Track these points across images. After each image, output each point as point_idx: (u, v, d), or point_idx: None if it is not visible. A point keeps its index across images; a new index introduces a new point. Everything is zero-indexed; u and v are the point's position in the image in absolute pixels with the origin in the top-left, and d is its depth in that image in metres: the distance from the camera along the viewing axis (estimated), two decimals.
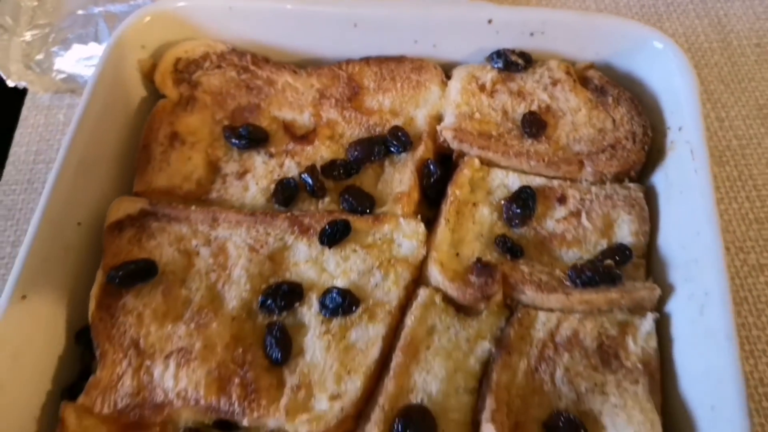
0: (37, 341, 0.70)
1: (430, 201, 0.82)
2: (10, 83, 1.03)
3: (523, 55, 0.86)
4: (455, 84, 0.87)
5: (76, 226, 0.76)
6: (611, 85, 0.84)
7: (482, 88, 0.86)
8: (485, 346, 0.70)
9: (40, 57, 1.06)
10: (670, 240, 0.74)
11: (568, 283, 0.72)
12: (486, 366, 0.69)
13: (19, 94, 1.06)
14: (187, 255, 0.76)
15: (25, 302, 0.68)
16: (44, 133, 1.02)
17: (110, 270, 0.73)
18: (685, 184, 0.73)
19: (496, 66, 0.87)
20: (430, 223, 0.79)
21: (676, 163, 0.76)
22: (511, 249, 0.75)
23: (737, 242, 0.88)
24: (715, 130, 0.97)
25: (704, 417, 0.63)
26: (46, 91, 1.05)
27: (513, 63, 0.86)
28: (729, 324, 0.63)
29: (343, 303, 0.71)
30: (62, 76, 1.05)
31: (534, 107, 0.84)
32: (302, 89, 0.89)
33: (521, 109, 0.84)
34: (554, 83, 0.85)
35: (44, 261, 0.71)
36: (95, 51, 1.03)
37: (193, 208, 0.79)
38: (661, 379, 0.68)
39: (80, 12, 1.06)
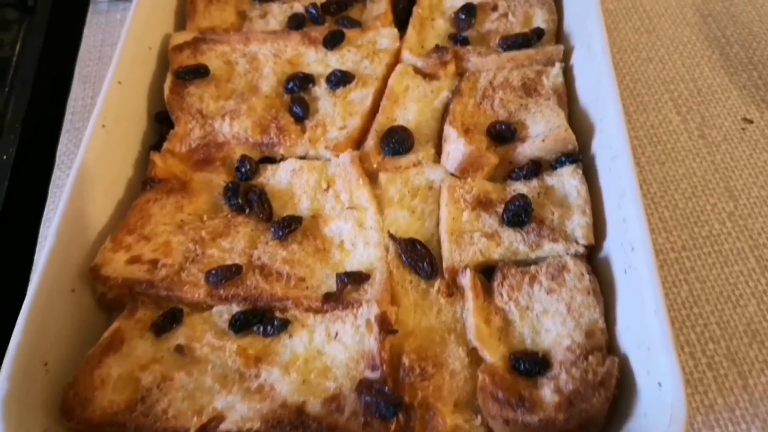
0: (131, 116, 1.00)
1: (400, 24, 1.12)
2: None
3: None
4: None
5: (148, 50, 1.07)
6: None
7: None
8: (445, 94, 1.00)
9: None
10: (570, 22, 1.05)
11: (499, 49, 1.02)
12: (446, 107, 0.99)
13: (84, 3, 1.38)
14: (229, 64, 1.06)
15: (121, 86, 0.98)
16: (106, 27, 1.33)
17: (177, 69, 1.03)
18: None
19: None
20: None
21: None
22: (460, 41, 1.06)
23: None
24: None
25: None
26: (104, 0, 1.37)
27: None
28: (602, 36, 0.92)
29: (343, 77, 1.01)
30: None
31: None
32: None
33: None
34: None
35: (132, 62, 1.01)
36: None
37: (231, 33, 1.10)
38: (567, 101, 0.97)
39: None
